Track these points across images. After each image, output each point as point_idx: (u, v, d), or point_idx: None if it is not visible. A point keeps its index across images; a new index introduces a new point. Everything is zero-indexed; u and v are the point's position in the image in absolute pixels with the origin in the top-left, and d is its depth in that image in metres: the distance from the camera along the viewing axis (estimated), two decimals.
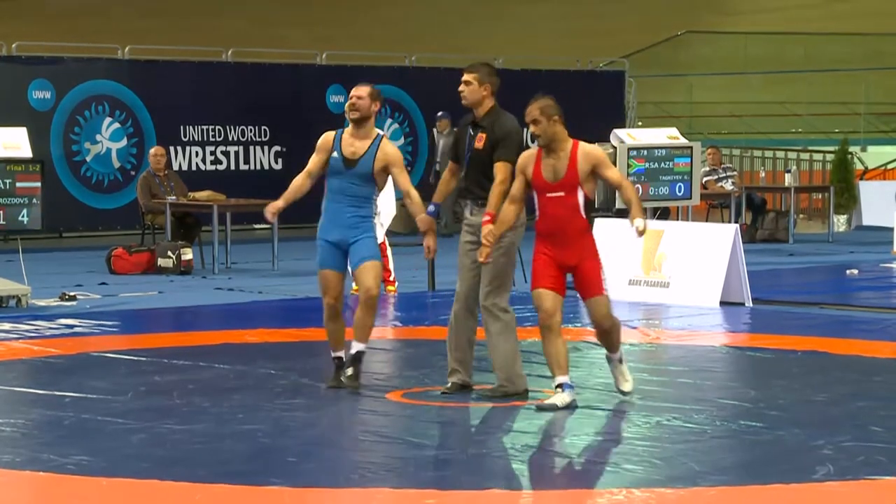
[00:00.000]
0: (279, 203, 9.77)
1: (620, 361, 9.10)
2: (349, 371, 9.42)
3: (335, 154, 9.42)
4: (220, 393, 9.28)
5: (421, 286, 15.31)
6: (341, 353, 9.52)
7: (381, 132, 9.51)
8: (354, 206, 9.44)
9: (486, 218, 8.91)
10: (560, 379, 8.73)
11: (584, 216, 8.83)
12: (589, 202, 8.84)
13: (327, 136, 9.54)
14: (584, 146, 8.83)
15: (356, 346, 9.44)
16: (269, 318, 13.35)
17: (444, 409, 8.88)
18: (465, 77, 9.21)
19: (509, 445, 7.88)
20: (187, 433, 8.17)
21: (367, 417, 8.76)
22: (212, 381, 9.81)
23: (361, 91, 9.44)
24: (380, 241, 14.67)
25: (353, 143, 9.38)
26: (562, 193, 8.74)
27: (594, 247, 8.94)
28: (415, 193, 9.39)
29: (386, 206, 14.63)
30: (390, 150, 9.42)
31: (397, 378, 10.09)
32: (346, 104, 9.55)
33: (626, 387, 9.08)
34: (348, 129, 9.47)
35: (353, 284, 14.90)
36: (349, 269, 9.65)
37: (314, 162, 9.55)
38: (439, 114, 21.62)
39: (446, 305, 13.91)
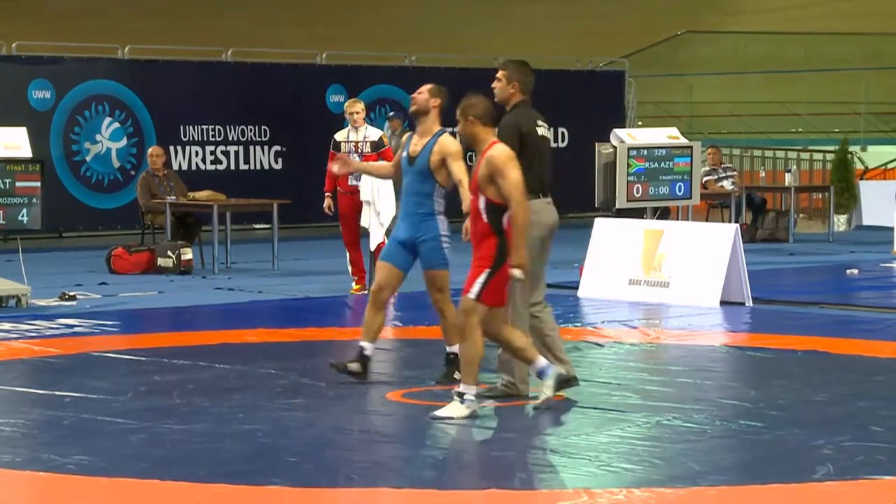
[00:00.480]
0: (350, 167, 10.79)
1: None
2: (355, 366, 9.56)
3: (403, 154, 9.58)
4: (219, 393, 9.28)
5: (420, 285, 15.28)
6: (367, 344, 9.59)
7: (444, 129, 9.53)
8: (416, 204, 9.50)
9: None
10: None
11: (486, 220, 8.57)
12: (496, 206, 8.53)
13: (403, 139, 9.95)
14: (491, 151, 8.57)
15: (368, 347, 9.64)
16: (269, 318, 13.35)
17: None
18: (497, 74, 9.22)
19: (509, 445, 7.88)
20: (187, 433, 8.17)
21: (367, 417, 8.75)
22: (212, 380, 9.81)
23: (422, 88, 9.62)
24: (379, 241, 14.72)
25: (416, 142, 9.53)
26: (472, 197, 8.72)
27: (488, 253, 8.61)
28: (465, 185, 9.37)
29: (385, 207, 14.63)
30: (447, 141, 9.46)
31: (397, 378, 10.09)
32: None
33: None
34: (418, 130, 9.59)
35: (354, 284, 15.00)
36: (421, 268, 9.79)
37: (395, 162, 9.93)
38: (391, 113, 21.39)
39: None
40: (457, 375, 9.14)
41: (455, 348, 9.48)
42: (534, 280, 9.04)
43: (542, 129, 9.19)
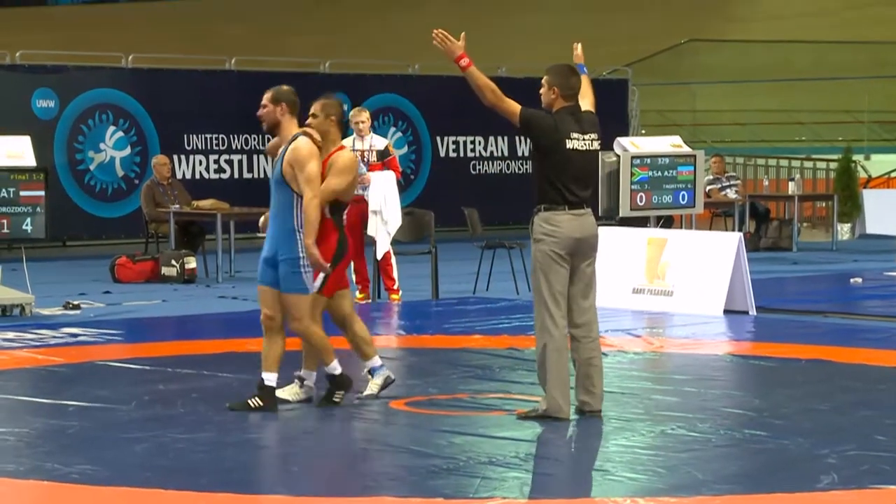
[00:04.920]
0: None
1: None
2: (255, 402, 8.96)
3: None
4: (223, 402, 9.26)
5: (425, 294, 15.31)
6: (270, 375, 9.00)
7: (298, 133, 8.91)
8: (275, 217, 8.91)
9: None
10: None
11: (328, 215, 9.05)
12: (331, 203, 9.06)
13: None
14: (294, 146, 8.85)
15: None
16: None
17: (447, 417, 8.87)
18: (542, 80, 8.88)
19: (513, 454, 7.87)
20: (191, 442, 8.16)
21: (370, 427, 8.75)
22: (215, 389, 9.80)
23: (264, 99, 8.99)
24: (386, 249, 14.72)
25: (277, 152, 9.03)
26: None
27: (331, 246, 9.05)
28: (308, 199, 8.71)
29: (392, 215, 14.63)
30: (298, 145, 8.81)
31: (401, 387, 10.08)
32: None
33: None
34: None
35: (357, 293, 15.00)
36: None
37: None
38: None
39: (450, 314, 13.98)
40: (336, 398, 9.06)
41: (331, 368, 9.09)
42: (560, 299, 8.69)
43: (576, 143, 8.72)
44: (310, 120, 9.25)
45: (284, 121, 8.95)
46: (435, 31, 8.71)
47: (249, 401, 8.93)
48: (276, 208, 8.88)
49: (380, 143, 14.97)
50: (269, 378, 8.97)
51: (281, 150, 8.90)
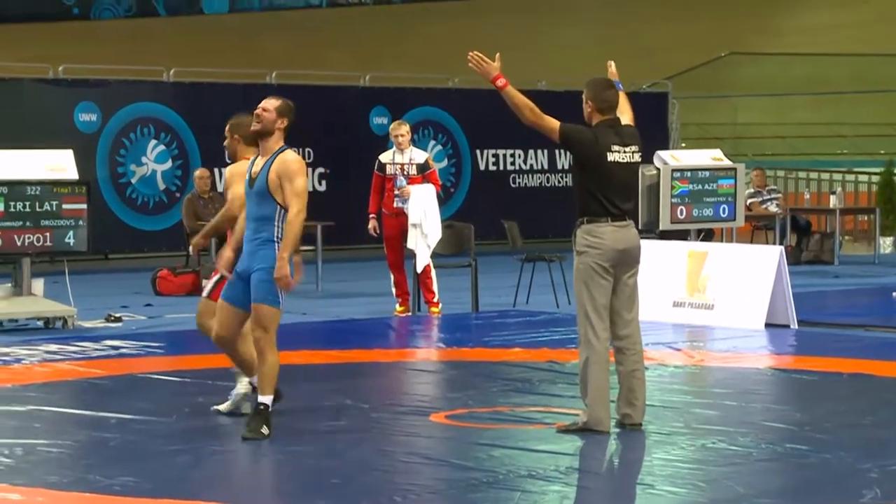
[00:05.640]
0: (226, 251, 9.03)
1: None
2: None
3: (247, 177, 8.82)
4: None
5: (465, 307, 15.31)
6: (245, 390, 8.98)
7: (285, 147, 8.79)
8: (254, 230, 8.68)
9: None
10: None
11: None
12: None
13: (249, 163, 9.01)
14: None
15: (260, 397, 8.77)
16: (313, 340, 13.37)
17: (487, 431, 8.87)
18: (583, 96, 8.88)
19: (553, 468, 7.86)
20: (231, 454, 8.19)
21: (411, 439, 8.75)
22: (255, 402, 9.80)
23: (269, 103, 8.83)
24: (425, 263, 14.74)
25: (258, 163, 8.77)
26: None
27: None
28: (295, 213, 8.57)
29: (432, 228, 14.64)
30: (288, 158, 8.68)
31: (441, 400, 10.09)
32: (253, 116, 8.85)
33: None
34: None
35: (397, 306, 15.01)
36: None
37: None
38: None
39: (490, 327, 13.98)
40: (264, 430, 8.54)
41: (266, 398, 8.66)
42: (602, 311, 8.67)
43: (617, 155, 8.70)
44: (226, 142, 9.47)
45: (276, 134, 8.78)
46: (470, 53, 8.72)
47: (260, 429, 8.58)
48: (254, 221, 8.65)
49: (419, 156, 14.99)
50: (266, 399, 8.67)
51: (265, 161, 8.69)
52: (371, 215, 14.98)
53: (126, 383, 10.71)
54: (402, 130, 14.91)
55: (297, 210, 8.59)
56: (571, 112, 9.13)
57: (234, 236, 8.99)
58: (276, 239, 8.60)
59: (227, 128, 9.50)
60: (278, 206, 8.62)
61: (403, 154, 14.85)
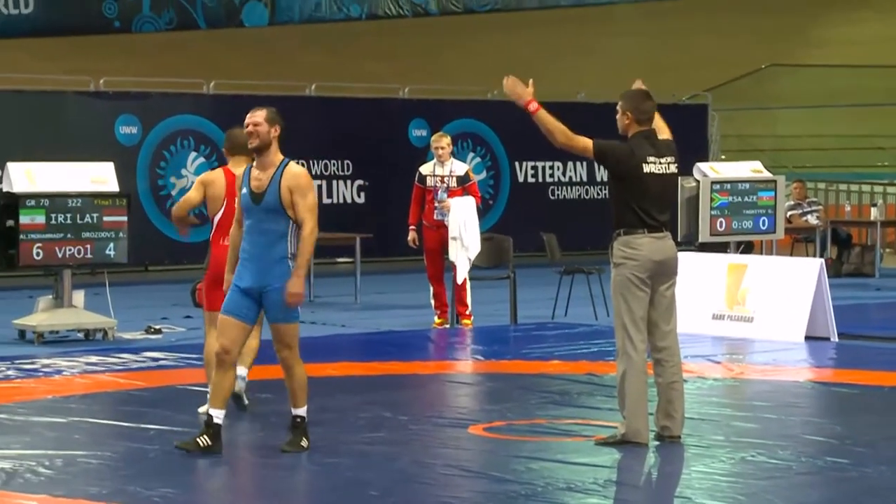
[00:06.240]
0: (229, 278, 8.73)
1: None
2: (204, 440, 8.40)
3: (244, 190, 8.56)
4: None
5: (503, 319, 15.30)
6: (217, 412, 8.47)
7: (287, 159, 8.66)
8: (265, 246, 8.47)
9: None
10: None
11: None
12: None
13: (239, 174, 8.82)
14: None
15: (296, 411, 8.62)
16: (352, 352, 13.39)
17: (526, 443, 8.86)
18: (617, 106, 8.88)
19: (592, 480, 7.85)
20: (270, 466, 8.20)
21: (449, 452, 8.75)
22: None
23: (257, 117, 8.64)
24: (465, 275, 14.72)
25: (258, 176, 8.55)
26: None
27: None
28: (310, 230, 8.41)
29: (472, 241, 14.63)
30: (297, 171, 8.54)
31: (479, 412, 10.08)
32: (245, 132, 8.67)
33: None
34: (256, 163, 8.66)
35: (436, 318, 15.01)
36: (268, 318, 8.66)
37: (236, 208, 8.78)
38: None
39: (528, 339, 13.96)
40: (304, 443, 8.55)
41: (301, 410, 8.62)
42: (640, 323, 8.66)
43: (653, 167, 8.70)
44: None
45: (274, 144, 8.60)
46: (505, 78, 8.72)
47: (198, 439, 8.41)
48: (265, 236, 8.43)
49: (460, 168, 14.99)
50: (218, 415, 8.47)
51: (270, 175, 8.49)
52: (411, 227, 15.00)
53: (165, 395, 10.74)
54: (443, 143, 14.90)
55: (311, 227, 8.43)
56: (612, 125, 9.12)
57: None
58: (289, 255, 8.43)
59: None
60: (291, 222, 8.45)
61: (444, 166, 14.85)
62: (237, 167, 9.70)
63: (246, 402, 9.91)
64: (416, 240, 14.98)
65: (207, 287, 9.78)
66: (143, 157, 21.02)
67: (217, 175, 10.00)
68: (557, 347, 13.26)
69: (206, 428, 8.46)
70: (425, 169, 14.98)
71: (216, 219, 9.91)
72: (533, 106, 8.68)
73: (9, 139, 19.46)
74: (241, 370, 9.69)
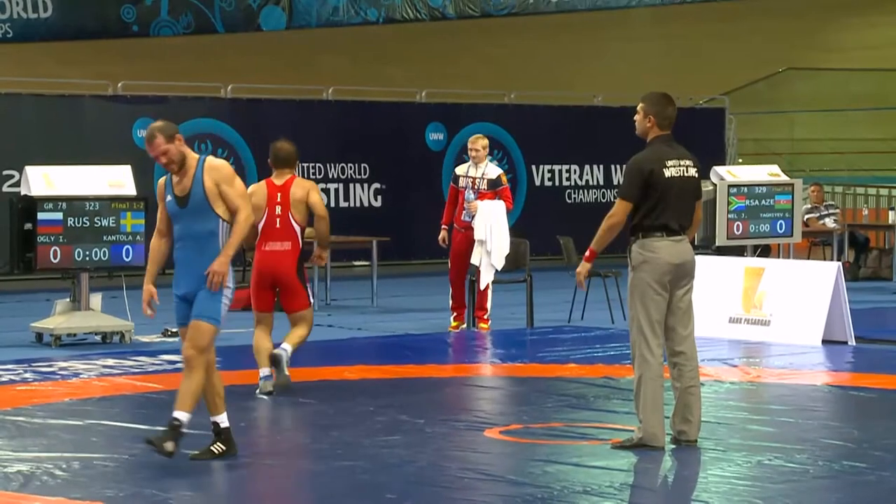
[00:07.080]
0: (149, 287, 8.79)
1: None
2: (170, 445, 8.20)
3: (168, 198, 8.41)
4: (318, 429, 9.32)
5: (520, 323, 15.30)
6: (183, 414, 8.29)
7: (204, 155, 8.56)
8: (196, 250, 8.42)
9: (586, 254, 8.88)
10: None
11: None
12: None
13: (160, 183, 8.54)
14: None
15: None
16: (368, 355, 13.40)
17: (542, 446, 8.86)
18: (637, 107, 8.82)
19: (608, 484, 7.84)
20: (287, 469, 8.21)
21: (466, 455, 8.75)
22: (311, 417, 9.85)
23: (157, 145, 8.31)
24: (489, 280, 14.66)
25: (179, 181, 8.36)
26: None
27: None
28: (245, 216, 8.25)
29: (498, 246, 14.51)
30: (217, 163, 8.35)
31: (496, 415, 10.08)
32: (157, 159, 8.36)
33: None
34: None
35: (452, 321, 15.01)
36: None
37: (160, 217, 8.60)
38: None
39: (545, 342, 13.96)
40: (215, 448, 8.37)
41: (180, 414, 8.28)
42: (657, 327, 8.66)
43: (673, 170, 8.69)
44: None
45: (186, 151, 8.37)
46: (577, 280, 8.95)
47: (212, 448, 8.39)
48: (194, 240, 8.36)
49: (493, 171, 14.85)
50: (222, 419, 8.44)
51: (191, 176, 8.30)
52: (443, 227, 14.94)
53: None
54: (478, 145, 14.80)
55: (246, 214, 8.24)
56: (627, 128, 9.10)
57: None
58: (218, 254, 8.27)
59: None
60: (220, 220, 8.29)
61: (477, 168, 14.76)
62: (279, 179, 11.06)
63: (286, 372, 10.70)
64: (446, 239, 14.93)
65: (252, 289, 11.08)
66: None
67: (259, 186, 11.09)
68: (574, 351, 13.25)
69: (216, 436, 8.43)
70: (460, 169, 14.95)
71: (259, 226, 10.85)
72: (588, 255, 8.90)
73: (28, 142, 19.53)
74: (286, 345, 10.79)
